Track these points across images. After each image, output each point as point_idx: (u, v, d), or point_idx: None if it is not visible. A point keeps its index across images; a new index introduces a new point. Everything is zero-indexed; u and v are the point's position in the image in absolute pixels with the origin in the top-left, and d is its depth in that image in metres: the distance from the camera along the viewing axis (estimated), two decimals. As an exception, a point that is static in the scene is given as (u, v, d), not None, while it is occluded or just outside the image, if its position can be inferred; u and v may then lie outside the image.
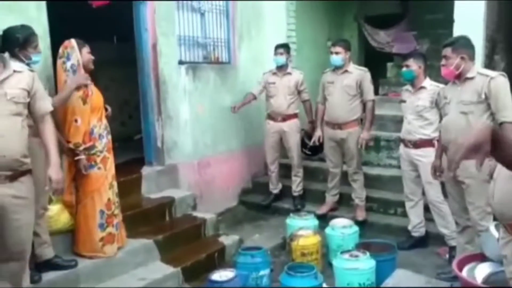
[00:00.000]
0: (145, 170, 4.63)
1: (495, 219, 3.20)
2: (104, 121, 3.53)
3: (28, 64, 2.82)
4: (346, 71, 4.73)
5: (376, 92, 6.14)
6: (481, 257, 2.88)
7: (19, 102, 2.56)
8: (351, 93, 4.70)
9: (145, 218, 4.16)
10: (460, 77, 3.38)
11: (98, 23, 5.65)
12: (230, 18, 5.50)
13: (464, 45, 3.40)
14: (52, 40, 3.70)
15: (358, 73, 4.73)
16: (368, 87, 4.74)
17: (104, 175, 3.49)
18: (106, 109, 3.61)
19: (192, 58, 5.08)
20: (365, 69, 4.87)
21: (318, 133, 5.00)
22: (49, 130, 2.80)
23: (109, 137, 3.56)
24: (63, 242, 3.52)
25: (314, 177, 5.56)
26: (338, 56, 4.68)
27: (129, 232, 3.94)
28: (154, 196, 4.49)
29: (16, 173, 2.54)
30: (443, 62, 3.42)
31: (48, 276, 3.18)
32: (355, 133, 4.73)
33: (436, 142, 3.96)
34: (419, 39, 6.34)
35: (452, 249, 3.97)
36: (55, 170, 2.66)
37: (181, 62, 4.89)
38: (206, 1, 5.19)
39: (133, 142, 5.84)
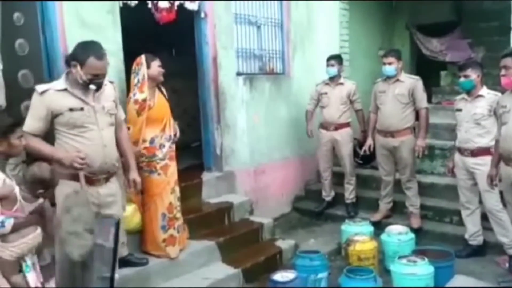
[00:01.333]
0: (205, 176, 4.87)
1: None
2: (168, 131, 3.75)
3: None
4: (397, 80, 4.80)
5: (429, 101, 6.13)
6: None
7: (112, 113, 2.89)
8: (403, 101, 4.76)
9: (206, 222, 4.38)
10: (521, 87, 3.40)
11: (160, 37, 6.02)
12: (285, 30, 5.69)
13: None
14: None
15: (410, 82, 4.80)
16: (421, 95, 4.78)
17: (165, 181, 3.71)
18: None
19: (249, 69, 5.31)
20: (417, 77, 4.93)
21: (369, 142, 5.09)
22: (125, 136, 3.13)
23: (172, 146, 3.79)
24: (134, 241, 3.78)
25: (367, 185, 5.62)
26: (391, 67, 4.76)
27: (191, 234, 4.18)
28: (214, 200, 4.72)
29: (110, 175, 2.85)
30: (503, 72, 3.45)
31: (123, 272, 3.42)
32: (408, 141, 4.79)
33: (493, 151, 3.96)
34: (474, 47, 6.29)
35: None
36: (136, 173, 2.96)
37: (239, 74, 5.12)
38: (262, 15, 5.41)
39: (191, 149, 6.11)
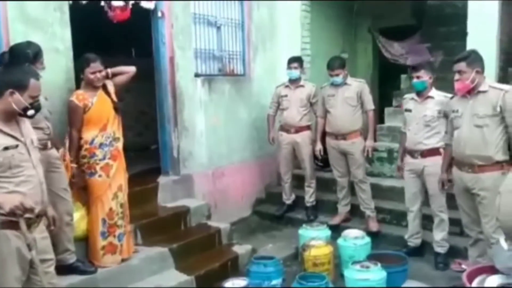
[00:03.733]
0: (161, 180, 4.74)
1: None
2: (110, 131, 3.59)
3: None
4: (345, 83, 4.87)
5: (389, 104, 6.21)
6: (492, 270, 2.89)
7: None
8: (353, 104, 4.84)
9: (161, 227, 4.26)
10: (473, 91, 3.43)
11: (118, 37, 5.86)
12: (245, 31, 5.62)
13: (477, 59, 3.47)
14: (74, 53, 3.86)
15: (357, 85, 4.89)
16: (368, 97, 4.91)
17: (106, 183, 3.56)
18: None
19: (208, 70, 5.21)
20: (363, 80, 5.08)
21: (318, 146, 5.12)
22: None
23: (116, 145, 3.62)
24: (83, 248, 3.62)
25: (327, 188, 5.60)
26: (338, 78, 4.83)
27: (145, 240, 4.07)
28: (170, 205, 4.60)
29: (43, 216, 2.61)
30: (456, 77, 3.47)
31: (66, 280, 3.28)
32: (359, 142, 4.87)
33: (442, 151, 4.01)
34: (433, 51, 6.36)
35: (438, 255, 4.16)
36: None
37: (197, 75, 5.01)
38: (222, 15, 5.32)
39: (150, 152, 5.96)
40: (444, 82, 5.59)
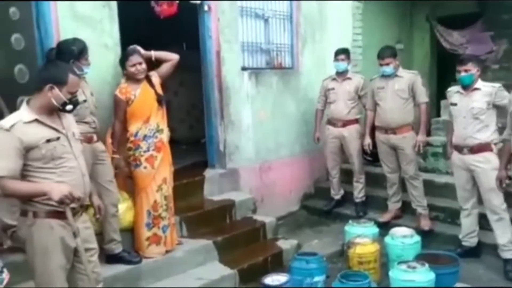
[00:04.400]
0: (208, 173, 4.79)
1: None
2: (153, 122, 3.62)
3: (79, 76, 2.79)
4: (396, 75, 4.64)
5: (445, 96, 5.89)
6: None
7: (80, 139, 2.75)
8: (404, 96, 4.62)
9: (206, 220, 4.30)
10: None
11: (171, 30, 5.96)
12: (294, 23, 5.52)
13: None
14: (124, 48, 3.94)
15: (409, 77, 4.65)
16: (421, 89, 4.66)
17: (151, 175, 3.61)
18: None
19: (255, 64, 5.18)
20: (416, 72, 4.81)
21: (367, 140, 4.94)
22: None
23: (160, 137, 3.66)
24: (129, 238, 3.72)
25: (378, 184, 5.41)
26: (389, 67, 4.61)
27: (190, 232, 4.13)
28: (216, 198, 4.64)
29: (86, 207, 2.73)
30: None
31: (112, 270, 3.39)
32: (411, 137, 4.64)
33: (494, 146, 3.74)
34: (495, 40, 5.96)
35: (507, 262, 3.82)
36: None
37: (244, 68, 5.00)
38: (269, 8, 5.26)
39: (200, 145, 6.04)
40: (508, 72, 5.24)
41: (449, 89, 4.18)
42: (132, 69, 3.57)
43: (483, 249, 4.18)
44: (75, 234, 2.45)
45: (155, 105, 3.64)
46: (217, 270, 3.85)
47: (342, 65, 5.06)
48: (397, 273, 3.29)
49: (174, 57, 3.80)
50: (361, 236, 3.97)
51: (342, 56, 5.05)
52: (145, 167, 3.61)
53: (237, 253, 4.09)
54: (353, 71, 6.03)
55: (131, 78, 3.61)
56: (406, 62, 6.20)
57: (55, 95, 2.42)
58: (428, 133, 5.17)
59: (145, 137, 3.60)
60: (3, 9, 3.63)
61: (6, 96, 3.35)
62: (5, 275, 2.54)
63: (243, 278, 3.85)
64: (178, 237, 3.95)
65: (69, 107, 2.48)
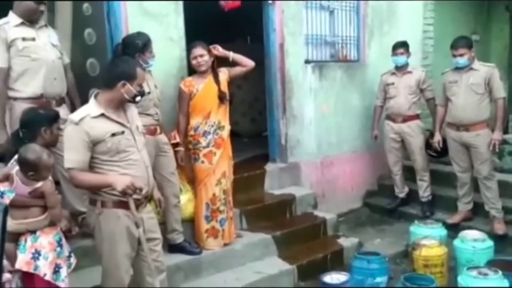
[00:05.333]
0: (269, 167, 4.76)
1: None
2: (214, 119, 3.63)
3: (144, 68, 2.91)
4: (471, 68, 4.35)
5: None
6: None
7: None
8: (479, 91, 4.31)
9: (266, 214, 4.28)
10: None
11: (235, 24, 5.99)
12: (361, 15, 5.34)
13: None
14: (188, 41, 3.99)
15: (486, 70, 4.33)
16: (498, 83, 4.34)
17: (209, 170, 3.64)
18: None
19: (319, 57, 5.07)
20: (493, 65, 4.47)
21: (437, 137, 4.70)
22: None
23: (221, 133, 3.66)
24: (191, 229, 3.78)
25: (447, 183, 5.12)
26: (463, 58, 4.32)
27: (249, 225, 4.14)
28: (276, 192, 4.61)
29: (150, 197, 2.81)
30: None
31: (174, 259, 3.46)
32: (485, 134, 4.33)
33: None
34: None
35: None
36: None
37: (307, 61, 4.91)
38: (336, 0, 5.13)
39: (261, 139, 6.04)
40: None
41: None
42: (194, 62, 3.61)
43: None
44: (137, 224, 2.52)
45: (217, 101, 3.65)
46: (276, 264, 3.82)
47: (402, 59, 4.87)
48: (466, 279, 3.09)
49: (250, 63, 3.82)
50: (428, 237, 3.78)
51: (401, 50, 4.86)
52: (203, 162, 3.64)
53: (296, 249, 4.05)
54: (423, 64, 5.79)
55: (197, 73, 3.65)
56: (482, 55, 5.80)
57: (127, 90, 2.51)
58: (505, 131, 4.83)
59: (204, 133, 3.63)
60: (77, 5, 3.81)
61: (78, 89, 3.53)
62: (73, 260, 2.68)
63: (302, 274, 3.81)
64: (237, 230, 3.97)
65: (138, 98, 2.57)
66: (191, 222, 3.78)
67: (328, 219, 4.43)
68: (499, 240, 4.10)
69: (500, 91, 4.34)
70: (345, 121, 5.26)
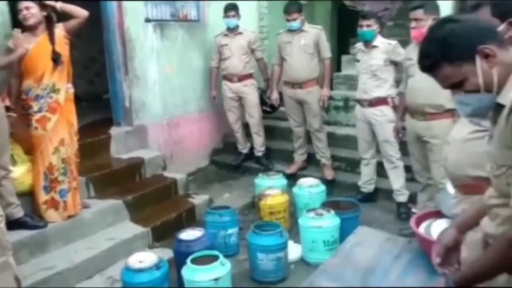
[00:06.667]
0: (114, 131, 4.58)
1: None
2: (47, 81, 3.33)
3: None
4: (302, 30, 4.74)
5: (347, 52, 6.16)
6: (438, 215, 3.00)
7: None
8: (310, 52, 4.74)
9: (115, 179, 4.14)
10: (428, 39, 3.41)
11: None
12: (200, -27, 5.33)
13: (434, 6, 3.44)
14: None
15: (315, 32, 4.77)
16: (325, 45, 4.81)
17: (44, 137, 3.37)
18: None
19: (160, 15, 4.94)
20: (320, 27, 4.92)
21: (275, 95, 5.06)
22: None
23: (56, 97, 3.38)
24: (31, 203, 3.48)
25: (282, 137, 5.60)
26: (295, 22, 4.68)
27: (98, 193, 3.97)
28: (123, 156, 4.47)
29: None
30: (413, 24, 3.44)
31: (15, 236, 3.16)
32: (316, 91, 4.81)
33: (390, 100, 4.05)
34: (391, -2, 6.30)
35: (400, 205, 4.21)
36: None
37: (148, 20, 4.75)
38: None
39: (102, 102, 5.73)
40: (402, 29, 5.58)
41: (355, 45, 4.37)
42: (20, 15, 3.24)
43: (380, 195, 4.57)
44: None
45: (51, 62, 3.32)
46: (129, 229, 3.77)
47: (233, 21, 5.03)
48: (306, 220, 3.50)
49: (81, 14, 3.48)
50: (271, 188, 4.13)
51: (232, 13, 5.01)
52: (36, 128, 3.34)
53: (149, 211, 4.04)
54: (260, 25, 6.07)
55: (28, 29, 3.26)
56: (308, 18, 6.30)
57: None
58: (331, 88, 5.42)
59: (37, 96, 3.30)
60: None
61: None
62: None
63: (157, 235, 3.82)
64: (84, 200, 3.77)
65: None
66: (30, 195, 3.47)
67: (179, 179, 4.48)
68: (329, 184, 4.68)
69: (327, 51, 4.82)
70: (189, 81, 5.28)
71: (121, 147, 4.52)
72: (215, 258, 2.93)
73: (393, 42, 4.08)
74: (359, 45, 4.24)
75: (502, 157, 1.30)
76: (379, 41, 4.09)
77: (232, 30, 5.09)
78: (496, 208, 1.37)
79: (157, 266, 2.88)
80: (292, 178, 4.75)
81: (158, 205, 4.17)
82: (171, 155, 5.03)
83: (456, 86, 1.38)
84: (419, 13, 3.40)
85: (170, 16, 5.08)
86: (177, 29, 5.10)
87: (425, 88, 3.42)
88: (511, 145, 1.26)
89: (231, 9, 5.01)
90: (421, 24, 3.38)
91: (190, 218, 4.16)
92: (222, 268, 2.86)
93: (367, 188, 4.49)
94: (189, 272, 2.86)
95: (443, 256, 1.61)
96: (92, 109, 5.33)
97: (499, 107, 1.33)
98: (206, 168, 5.60)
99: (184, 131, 5.26)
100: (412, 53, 3.55)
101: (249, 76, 5.20)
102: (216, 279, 2.80)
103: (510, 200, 1.25)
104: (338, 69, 6.14)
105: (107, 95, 5.91)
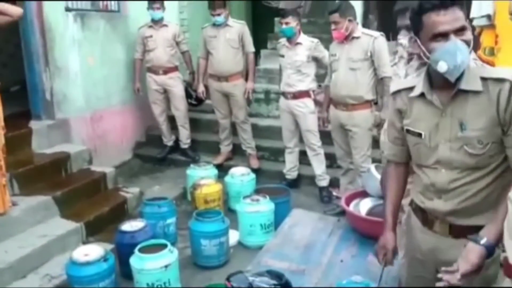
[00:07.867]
0: (35, 125, 4.37)
1: (373, 161, 3.76)
2: None
3: None
4: (227, 25, 4.90)
5: (264, 46, 6.43)
6: (364, 194, 3.35)
7: None
8: (235, 46, 4.91)
9: (39, 175, 3.98)
10: (348, 37, 3.76)
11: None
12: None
13: (349, 8, 3.78)
14: None
15: (239, 27, 4.95)
16: (249, 39, 5.01)
17: None
18: None
19: (80, 5, 4.76)
20: (244, 22, 5.12)
21: (201, 88, 5.16)
22: None
23: None
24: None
25: (207, 129, 5.72)
26: (220, 17, 4.82)
27: (23, 190, 3.79)
28: (47, 151, 4.29)
29: None
30: (332, 27, 3.76)
31: None
32: (241, 84, 5.00)
33: (312, 93, 4.38)
34: (304, -4, 6.67)
35: (322, 189, 4.56)
36: None
37: (68, 9, 4.57)
38: None
39: (11, 94, 5.37)
40: (315, 26, 5.97)
41: (280, 40, 4.62)
42: None
43: (302, 181, 4.90)
44: None
45: None
46: (61, 225, 3.66)
47: (158, 13, 5.04)
48: (243, 206, 3.68)
49: (17, 12, 3.24)
50: (204, 178, 4.24)
51: (157, 5, 5.03)
52: None
53: (80, 206, 3.95)
54: (180, 18, 6.10)
55: None
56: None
57: None
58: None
59: None
60: None
61: None
62: None
63: (90, 230, 3.76)
64: (11, 196, 3.58)
65: None
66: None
67: (108, 173, 4.41)
68: (255, 173, 4.88)
69: (251, 46, 5.01)
70: (112, 73, 5.16)
71: (43, 142, 4.33)
72: (162, 246, 2.99)
73: (315, 40, 4.39)
74: (283, 40, 4.50)
75: (491, 133, 1.43)
76: (303, 38, 4.37)
77: (157, 22, 5.08)
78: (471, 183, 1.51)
79: (104, 258, 2.87)
80: (219, 169, 4.89)
81: (89, 199, 4.08)
82: (95, 149, 4.89)
83: (460, 30, 1.46)
84: (335, 16, 3.73)
85: (90, 6, 4.92)
86: (98, 19, 4.96)
87: (347, 81, 3.80)
88: (504, 123, 1.42)
89: (156, 1, 4.98)
90: (340, 26, 3.72)
91: (122, 211, 4.14)
92: (170, 256, 2.94)
93: (291, 175, 4.79)
94: (138, 261, 2.90)
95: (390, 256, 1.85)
96: (3, 102, 4.97)
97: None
98: (130, 161, 5.53)
99: (108, 125, 5.15)
100: (335, 50, 3.89)
101: (175, 68, 5.23)
102: (166, 266, 2.87)
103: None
104: (257, 63, 6.36)
105: (16, 87, 5.60)
